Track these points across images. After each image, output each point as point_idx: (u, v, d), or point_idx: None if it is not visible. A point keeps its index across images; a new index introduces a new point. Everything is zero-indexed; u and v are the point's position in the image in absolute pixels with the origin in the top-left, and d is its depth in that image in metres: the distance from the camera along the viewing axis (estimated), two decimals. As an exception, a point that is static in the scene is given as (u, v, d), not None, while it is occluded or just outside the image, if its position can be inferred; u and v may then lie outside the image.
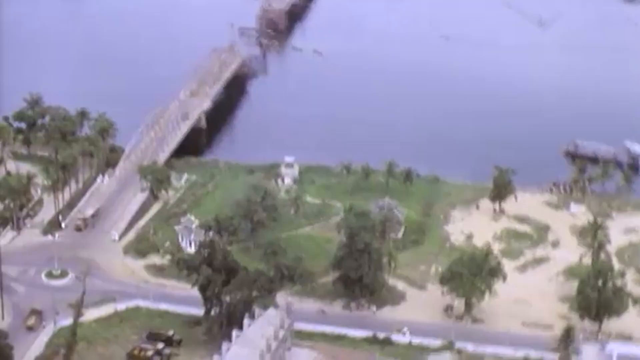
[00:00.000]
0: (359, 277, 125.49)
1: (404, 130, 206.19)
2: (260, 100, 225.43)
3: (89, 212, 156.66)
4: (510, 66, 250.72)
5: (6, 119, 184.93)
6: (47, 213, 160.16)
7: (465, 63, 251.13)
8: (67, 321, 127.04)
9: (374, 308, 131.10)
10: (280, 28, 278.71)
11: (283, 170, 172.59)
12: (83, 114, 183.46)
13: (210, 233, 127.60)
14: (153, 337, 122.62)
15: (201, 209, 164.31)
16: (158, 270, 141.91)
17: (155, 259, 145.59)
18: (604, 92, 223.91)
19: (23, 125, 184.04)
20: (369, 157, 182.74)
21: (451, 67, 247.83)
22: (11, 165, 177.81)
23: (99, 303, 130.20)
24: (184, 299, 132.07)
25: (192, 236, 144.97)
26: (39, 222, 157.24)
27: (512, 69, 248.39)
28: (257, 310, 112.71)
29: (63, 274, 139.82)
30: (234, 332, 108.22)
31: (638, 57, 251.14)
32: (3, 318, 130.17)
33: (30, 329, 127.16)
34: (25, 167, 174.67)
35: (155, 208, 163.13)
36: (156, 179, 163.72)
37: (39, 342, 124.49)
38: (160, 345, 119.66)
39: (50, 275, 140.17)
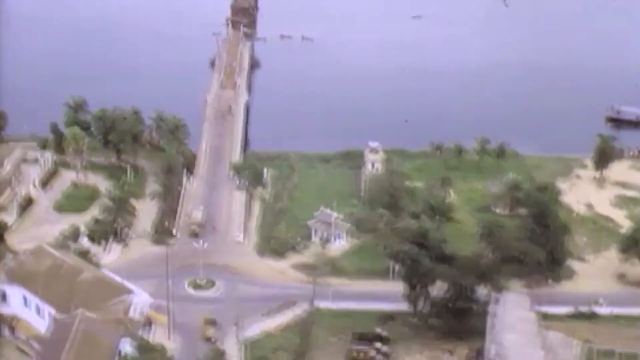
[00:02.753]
0: (549, 253, 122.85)
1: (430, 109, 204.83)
2: (276, 89, 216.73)
3: (199, 216, 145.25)
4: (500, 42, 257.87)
5: (55, 125, 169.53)
6: (144, 221, 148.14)
7: (457, 41, 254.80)
8: (251, 332, 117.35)
9: (551, 283, 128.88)
10: (252, 16, 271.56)
11: (368, 156, 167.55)
12: (136, 114, 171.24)
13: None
14: (360, 338, 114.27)
15: (297, 202, 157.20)
16: (309, 269, 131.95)
17: (297, 258, 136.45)
18: (613, 59, 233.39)
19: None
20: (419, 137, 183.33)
21: (438, 46, 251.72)
22: (71, 176, 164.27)
23: (279, 309, 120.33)
24: (360, 295, 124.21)
25: (333, 229, 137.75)
26: (141, 232, 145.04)
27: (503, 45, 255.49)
28: (493, 295, 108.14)
29: (209, 284, 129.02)
30: (489, 319, 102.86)
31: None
32: (170, 337, 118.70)
33: (209, 340, 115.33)
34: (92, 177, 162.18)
35: (255, 205, 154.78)
36: (252, 175, 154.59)
37: (231, 356, 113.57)
38: (379, 344, 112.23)
39: (195, 285, 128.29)
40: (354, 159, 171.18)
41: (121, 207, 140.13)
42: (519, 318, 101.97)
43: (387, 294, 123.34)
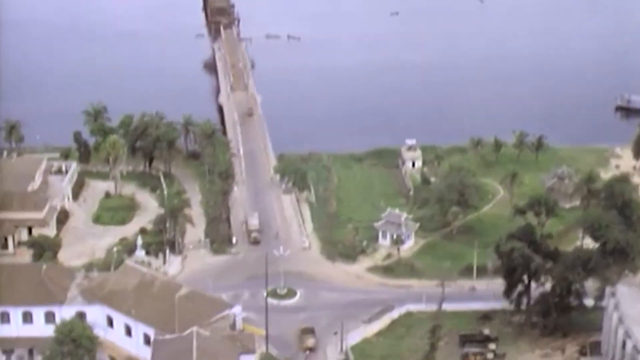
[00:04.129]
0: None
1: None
2: (277, 89, 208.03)
3: (256, 222, 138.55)
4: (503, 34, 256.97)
5: (78, 134, 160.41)
6: (194, 231, 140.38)
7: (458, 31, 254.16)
8: (351, 340, 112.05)
9: (631, 275, 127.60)
10: (231, 16, 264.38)
11: (406, 154, 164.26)
12: (160, 118, 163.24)
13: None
14: (468, 339, 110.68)
15: (344, 204, 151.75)
16: (386, 272, 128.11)
17: (368, 261, 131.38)
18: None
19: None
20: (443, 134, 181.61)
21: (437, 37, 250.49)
22: (99, 186, 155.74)
23: (379, 315, 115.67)
24: (449, 296, 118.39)
25: (404, 230, 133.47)
26: (197, 242, 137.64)
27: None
28: (608, 290, 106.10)
29: (290, 293, 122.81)
30: (612, 314, 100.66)
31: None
32: (267, 350, 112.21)
33: (309, 350, 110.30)
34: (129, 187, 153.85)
35: (305, 208, 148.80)
36: (300, 178, 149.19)
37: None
38: (493, 346, 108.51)
39: (275, 295, 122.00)
40: (387, 157, 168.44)
41: (177, 217, 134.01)
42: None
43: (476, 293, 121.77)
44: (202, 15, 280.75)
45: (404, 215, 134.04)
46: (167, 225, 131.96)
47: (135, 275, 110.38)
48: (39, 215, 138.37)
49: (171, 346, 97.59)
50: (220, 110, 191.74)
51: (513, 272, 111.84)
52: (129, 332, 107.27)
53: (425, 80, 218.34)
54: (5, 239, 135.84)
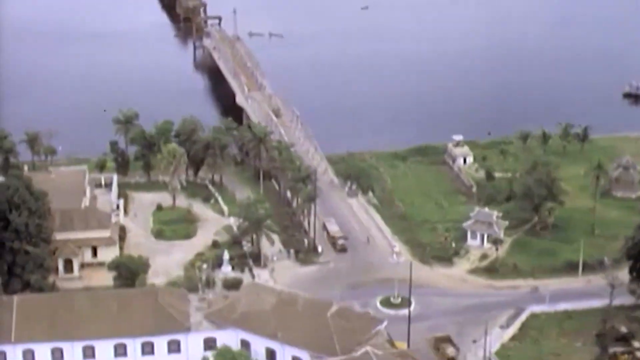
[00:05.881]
0: None
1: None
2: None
3: (337, 228, 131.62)
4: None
5: (114, 143, 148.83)
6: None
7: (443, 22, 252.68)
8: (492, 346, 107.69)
9: None
10: (202, 16, 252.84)
11: (453, 150, 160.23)
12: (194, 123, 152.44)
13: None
14: (605, 337, 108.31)
15: (408, 204, 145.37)
16: (489, 273, 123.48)
17: (465, 263, 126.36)
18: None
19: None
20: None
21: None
22: (144, 198, 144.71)
23: (513, 319, 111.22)
24: (564, 294, 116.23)
25: (496, 229, 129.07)
26: (279, 252, 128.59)
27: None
28: None
29: (404, 302, 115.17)
30: None
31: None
32: None
33: (450, 359, 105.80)
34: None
35: (372, 211, 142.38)
36: (365, 180, 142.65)
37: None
38: (637, 344, 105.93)
39: (389, 304, 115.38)
40: (431, 153, 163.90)
41: (261, 228, 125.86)
42: None
43: (588, 290, 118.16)
44: (163, 13, 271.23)
45: (495, 213, 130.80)
46: (251, 237, 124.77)
47: (271, 294, 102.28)
48: (105, 233, 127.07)
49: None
50: (233, 112, 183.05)
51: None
52: (271, 356, 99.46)
53: (422, 73, 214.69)
54: (69, 261, 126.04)
